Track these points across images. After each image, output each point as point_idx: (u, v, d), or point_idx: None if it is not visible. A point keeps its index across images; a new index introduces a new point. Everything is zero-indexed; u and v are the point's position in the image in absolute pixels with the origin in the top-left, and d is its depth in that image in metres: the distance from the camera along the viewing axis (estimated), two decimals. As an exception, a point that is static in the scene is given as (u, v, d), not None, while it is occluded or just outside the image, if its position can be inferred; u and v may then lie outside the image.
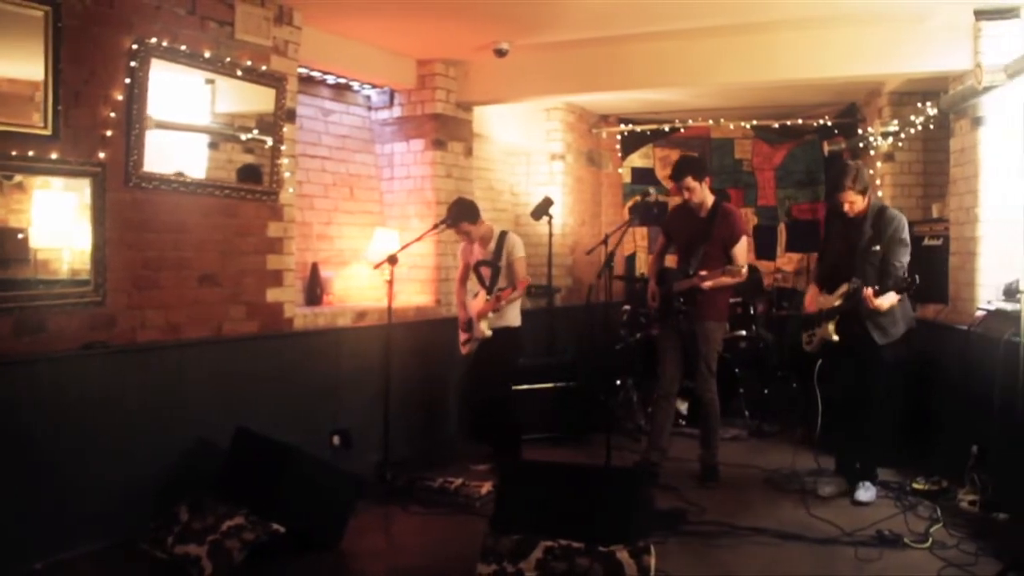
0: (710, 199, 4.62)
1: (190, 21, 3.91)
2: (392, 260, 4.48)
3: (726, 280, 4.43)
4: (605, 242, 5.77)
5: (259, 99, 4.28)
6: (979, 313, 4.47)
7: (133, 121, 3.65)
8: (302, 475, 3.74)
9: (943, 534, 3.89)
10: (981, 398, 4.08)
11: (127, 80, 3.63)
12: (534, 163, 6.67)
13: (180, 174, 3.91)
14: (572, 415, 5.53)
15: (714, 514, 4.13)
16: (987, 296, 4.51)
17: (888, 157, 5.68)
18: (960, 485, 4.31)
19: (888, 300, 4.02)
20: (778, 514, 4.19)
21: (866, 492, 4.35)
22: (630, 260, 7.78)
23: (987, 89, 4.21)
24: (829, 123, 6.54)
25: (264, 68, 4.24)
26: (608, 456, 4.02)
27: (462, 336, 4.80)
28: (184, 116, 3.95)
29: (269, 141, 4.31)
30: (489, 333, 4.64)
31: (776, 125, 6.79)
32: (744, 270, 4.51)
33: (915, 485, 4.49)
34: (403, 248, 4.62)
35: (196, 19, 3.94)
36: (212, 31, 4.01)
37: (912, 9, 4.51)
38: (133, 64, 3.63)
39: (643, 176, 7.22)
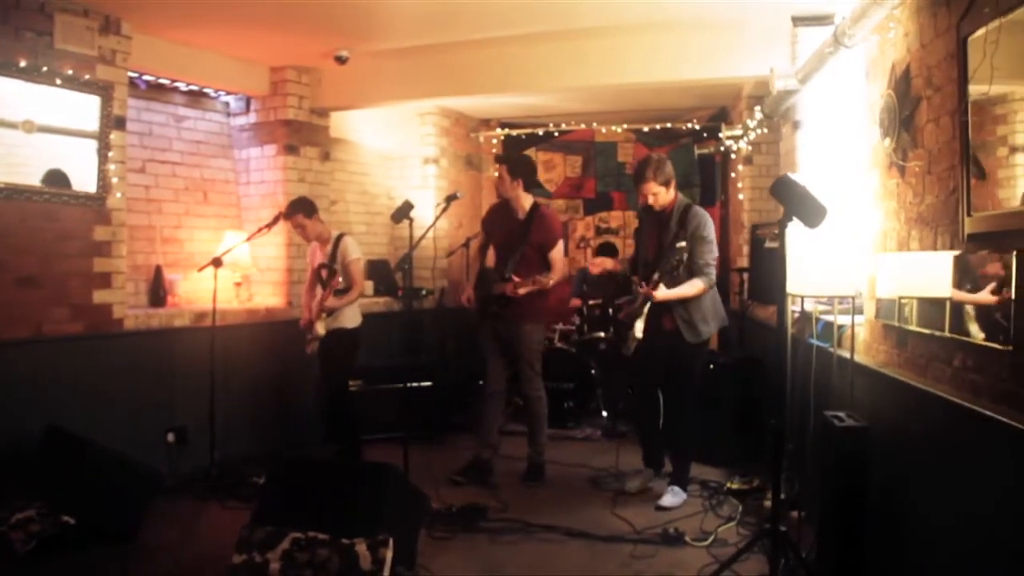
0: (528, 201, 4.66)
1: (2, 31, 4.03)
2: (216, 263, 4.59)
3: (536, 289, 4.40)
4: (466, 245, 5.89)
5: (89, 107, 4.42)
6: (795, 315, 4.52)
7: (-63, 128, 3.80)
8: (95, 468, 3.84)
9: (731, 532, 3.96)
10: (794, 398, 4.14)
11: (-72, 88, 3.77)
12: (408, 167, 6.76)
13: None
14: (427, 416, 5.62)
15: (515, 512, 4.20)
16: (805, 298, 4.56)
17: (747, 160, 5.73)
18: (775, 484, 4.36)
19: (665, 293, 4.00)
20: (580, 513, 4.25)
21: (673, 497, 4.32)
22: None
23: (788, 93, 4.27)
24: (698, 127, 6.59)
25: (88, 77, 4.36)
26: (405, 454, 4.10)
27: (308, 336, 4.93)
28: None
29: (96, 148, 4.44)
30: (322, 332, 4.76)
31: (646, 129, 6.85)
32: (556, 276, 4.54)
33: (730, 484, 4.56)
34: (227, 251, 4.72)
35: (10, 29, 4.04)
36: (29, 41, 4.11)
37: (736, 14, 4.57)
38: (-65, 72, 3.77)
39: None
